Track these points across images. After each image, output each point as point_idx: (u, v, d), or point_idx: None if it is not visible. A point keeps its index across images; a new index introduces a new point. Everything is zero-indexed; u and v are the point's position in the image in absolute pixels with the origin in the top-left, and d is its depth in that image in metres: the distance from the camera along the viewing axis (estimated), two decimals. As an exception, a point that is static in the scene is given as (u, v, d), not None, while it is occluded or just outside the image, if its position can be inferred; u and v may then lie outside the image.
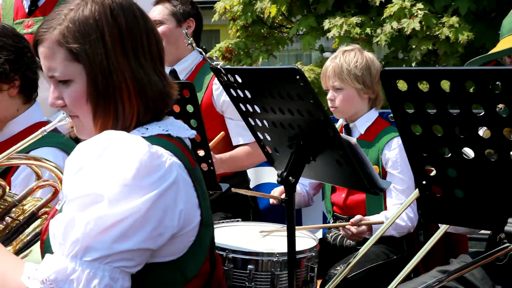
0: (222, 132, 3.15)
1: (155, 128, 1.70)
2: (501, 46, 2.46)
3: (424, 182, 1.71)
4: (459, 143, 1.57)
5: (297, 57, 17.68)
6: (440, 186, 1.69)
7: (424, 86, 1.54)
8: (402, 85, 1.58)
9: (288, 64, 14.89)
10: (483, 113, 1.49)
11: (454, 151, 1.59)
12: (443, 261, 2.83)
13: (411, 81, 1.56)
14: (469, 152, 1.56)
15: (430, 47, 5.60)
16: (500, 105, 1.46)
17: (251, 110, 2.26)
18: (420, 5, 5.51)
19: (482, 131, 1.54)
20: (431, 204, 1.72)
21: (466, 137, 1.55)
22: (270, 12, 6.65)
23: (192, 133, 1.82)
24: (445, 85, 1.50)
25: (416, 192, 2.19)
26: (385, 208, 3.11)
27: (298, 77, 1.90)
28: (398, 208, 2.90)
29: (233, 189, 2.88)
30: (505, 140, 1.49)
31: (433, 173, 1.68)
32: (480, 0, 5.48)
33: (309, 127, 2.06)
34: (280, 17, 7.03)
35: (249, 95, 2.19)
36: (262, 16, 6.88)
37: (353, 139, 2.08)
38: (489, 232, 2.64)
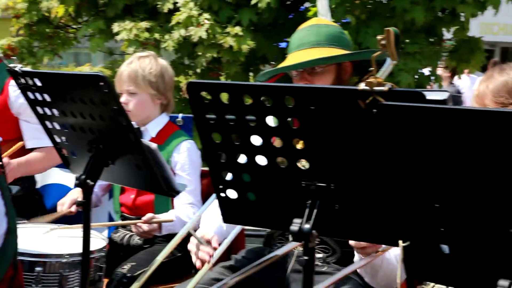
0: (21, 142, 3.08)
1: None
2: (289, 60, 2.68)
3: (221, 186, 1.86)
4: (254, 151, 1.74)
5: (85, 57, 17.28)
6: (235, 190, 1.85)
7: (225, 98, 1.69)
8: (205, 96, 1.71)
9: (75, 64, 14.49)
10: (277, 124, 1.67)
11: (249, 158, 1.76)
12: (224, 257, 2.97)
13: (214, 93, 1.70)
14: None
15: (215, 55, 5.87)
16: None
17: (49, 113, 2.26)
18: (207, 15, 5.76)
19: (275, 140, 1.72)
20: (227, 206, 1.88)
21: (261, 145, 1.72)
22: (57, 12, 6.49)
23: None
24: (247, 98, 1.66)
25: (214, 196, 2.32)
26: (173, 208, 3.23)
27: (102, 83, 1.95)
28: (193, 210, 3.05)
29: (32, 220, 2.88)
30: (294, 150, 1.68)
31: (230, 177, 1.84)
32: (261, 13, 5.85)
33: (110, 132, 2.12)
34: (67, 18, 6.89)
35: (48, 99, 2.19)
36: (48, 15, 6.69)
37: (153, 145, 2.17)
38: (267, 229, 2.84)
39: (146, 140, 3.25)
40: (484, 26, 19.37)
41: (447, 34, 6.68)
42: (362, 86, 1.51)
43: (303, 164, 1.71)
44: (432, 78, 6.37)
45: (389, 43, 1.53)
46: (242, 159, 1.79)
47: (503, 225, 1.34)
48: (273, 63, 6.16)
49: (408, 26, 5.75)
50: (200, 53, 5.91)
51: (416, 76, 5.98)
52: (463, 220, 1.43)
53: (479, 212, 1.40)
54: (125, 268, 3.02)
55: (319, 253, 2.60)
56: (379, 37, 1.56)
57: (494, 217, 1.37)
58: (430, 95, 1.45)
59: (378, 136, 1.47)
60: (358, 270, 2.45)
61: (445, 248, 1.48)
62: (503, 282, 1.29)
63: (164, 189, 2.18)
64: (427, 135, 1.39)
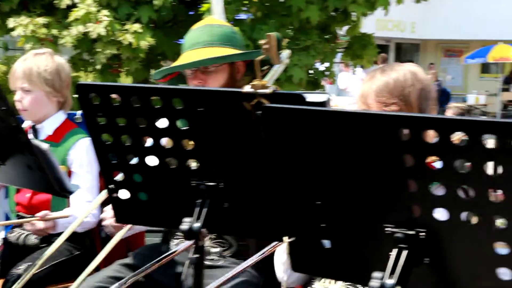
0: None
1: None
2: (183, 60, 2.73)
3: (112, 187, 1.88)
4: (145, 152, 1.78)
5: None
6: (127, 189, 1.88)
7: (116, 100, 1.71)
8: (95, 98, 1.73)
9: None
10: (167, 125, 1.71)
11: (140, 159, 1.79)
12: (122, 254, 2.98)
13: (104, 95, 1.72)
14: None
15: (114, 52, 5.84)
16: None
17: None
18: (105, 12, 5.73)
19: (165, 141, 1.76)
20: (119, 206, 1.90)
21: (151, 146, 1.76)
22: None
23: None
24: (135, 100, 1.69)
25: (104, 193, 2.34)
26: (69, 205, 3.21)
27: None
28: (87, 207, 3.03)
29: None
30: (183, 150, 1.73)
31: (121, 177, 1.86)
32: (160, 10, 5.87)
33: (0, 133, 2.10)
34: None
35: None
36: None
37: (44, 145, 2.17)
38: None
39: (42, 137, 3.23)
40: (379, 23, 20.03)
41: (342, 32, 6.94)
42: (246, 88, 1.58)
43: (193, 163, 1.76)
44: (327, 73, 6.59)
45: (271, 47, 1.60)
46: (134, 159, 1.82)
47: (377, 222, 1.44)
48: (173, 60, 6.20)
49: (303, 25, 5.92)
50: (99, 50, 5.87)
51: (312, 72, 6.18)
52: (342, 216, 1.52)
53: (356, 209, 1.49)
54: (21, 268, 2.98)
55: (215, 247, 2.66)
56: (261, 41, 1.63)
57: (369, 214, 1.47)
58: (310, 97, 1.53)
59: (263, 136, 1.53)
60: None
61: (327, 243, 1.57)
62: (376, 274, 1.38)
63: (57, 190, 2.17)
64: (306, 136, 1.46)
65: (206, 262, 2.69)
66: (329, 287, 2.20)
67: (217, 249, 2.66)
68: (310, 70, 6.12)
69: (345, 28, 6.64)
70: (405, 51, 28.49)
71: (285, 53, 2.39)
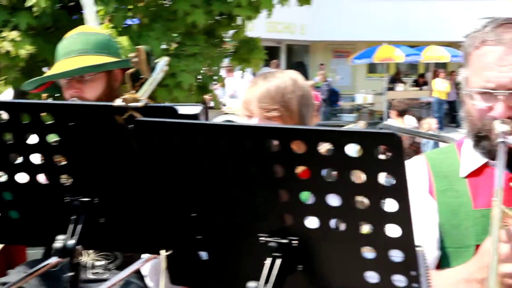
0: None
1: None
2: (57, 69, 2.65)
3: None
4: (13, 169, 1.71)
5: None
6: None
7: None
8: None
9: None
10: (37, 141, 1.65)
11: (9, 176, 1.72)
12: (1, 272, 2.86)
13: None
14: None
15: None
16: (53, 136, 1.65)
17: None
18: (-21, 20, 5.51)
19: (34, 157, 1.70)
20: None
21: (21, 163, 1.69)
22: None
23: None
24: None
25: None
26: None
27: None
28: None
29: None
30: (55, 166, 1.68)
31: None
32: (40, 16, 5.68)
33: None
34: None
35: None
36: None
37: None
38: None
39: None
40: (269, 25, 20.36)
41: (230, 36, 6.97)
42: (118, 102, 1.55)
43: (66, 179, 1.71)
44: (215, 78, 6.60)
45: (141, 60, 1.59)
46: (2, 177, 1.75)
47: (252, 232, 1.45)
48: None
49: (190, 29, 5.90)
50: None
51: (200, 77, 6.18)
52: (217, 227, 1.52)
53: (231, 220, 1.49)
54: None
55: (100, 260, 2.61)
56: (130, 55, 1.61)
57: (243, 225, 1.48)
58: (182, 110, 1.52)
59: (136, 150, 1.51)
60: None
61: (204, 254, 1.56)
62: (251, 284, 1.39)
63: None
64: (178, 148, 1.45)
65: (91, 276, 2.63)
66: None
67: (102, 262, 2.61)
68: (198, 75, 6.10)
69: (230, 33, 6.67)
70: (296, 52, 29.09)
71: (162, 61, 2.38)
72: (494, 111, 1.88)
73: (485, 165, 1.99)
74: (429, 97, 23.46)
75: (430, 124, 12.37)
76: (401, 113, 10.97)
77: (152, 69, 1.71)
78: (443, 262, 1.98)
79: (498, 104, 1.87)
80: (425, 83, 25.64)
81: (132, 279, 2.52)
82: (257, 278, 1.39)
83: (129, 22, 6.07)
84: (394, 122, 10.56)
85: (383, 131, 1.25)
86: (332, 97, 23.42)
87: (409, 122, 11.31)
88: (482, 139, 1.95)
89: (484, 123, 1.92)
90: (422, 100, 24.28)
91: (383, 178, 1.29)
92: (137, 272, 2.45)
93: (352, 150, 1.28)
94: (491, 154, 1.92)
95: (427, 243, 1.90)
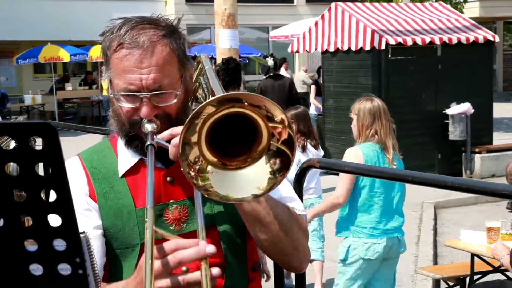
0: None
1: None
2: None
3: None
4: None
5: None
6: None
7: None
8: None
9: None
10: None
11: None
12: None
13: None
14: None
15: None
16: None
17: None
18: None
19: None
20: None
21: None
22: None
23: None
24: None
25: None
26: None
27: None
28: None
29: None
30: None
31: None
32: None
33: None
34: None
35: None
36: None
37: None
38: None
39: None
40: None
41: None
42: None
43: None
44: None
45: None
46: None
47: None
48: None
49: None
50: None
51: None
52: None
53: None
54: None
55: None
56: None
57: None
58: None
59: None
60: None
61: None
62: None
63: None
64: None
65: None
66: None
67: None
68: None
69: None
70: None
71: None
72: (141, 112, 1.91)
73: (141, 162, 2.01)
74: (100, 95, 23.61)
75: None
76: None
77: None
78: (112, 263, 1.98)
79: (143, 105, 1.90)
80: (94, 82, 25.73)
81: None
82: None
83: None
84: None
85: (36, 122, 1.24)
86: (-1, 99, 22.31)
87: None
88: (132, 138, 1.98)
89: (132, 124, 1.95)
90: (93, 99, 24.39)
91: (41, 169, 1.28)
92: None
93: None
94: (143, 151, 1.93)
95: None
